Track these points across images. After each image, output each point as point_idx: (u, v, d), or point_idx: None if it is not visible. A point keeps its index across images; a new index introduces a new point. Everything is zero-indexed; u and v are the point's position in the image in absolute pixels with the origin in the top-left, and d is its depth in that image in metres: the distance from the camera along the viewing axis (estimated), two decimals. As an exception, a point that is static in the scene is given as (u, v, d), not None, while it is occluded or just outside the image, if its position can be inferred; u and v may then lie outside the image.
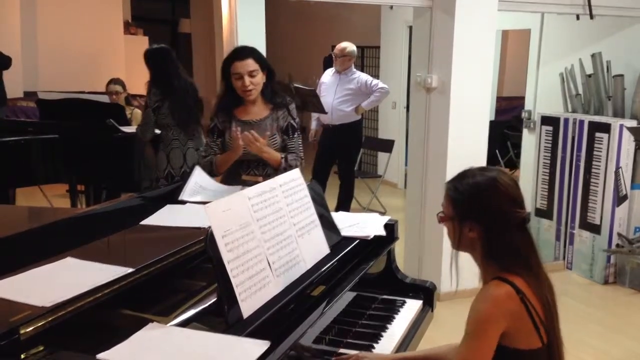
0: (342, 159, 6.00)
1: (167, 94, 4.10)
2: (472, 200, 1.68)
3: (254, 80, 2.87)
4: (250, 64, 2.85)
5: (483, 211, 1.67)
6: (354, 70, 5.85)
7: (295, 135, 3.01)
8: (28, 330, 1.35)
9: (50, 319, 1.40)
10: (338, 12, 9.52)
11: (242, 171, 2.95)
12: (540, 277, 1.69)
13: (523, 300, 1.61)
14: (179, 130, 4.15)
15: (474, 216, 1.68)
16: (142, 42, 9.61)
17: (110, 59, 8.98)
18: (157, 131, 4.28)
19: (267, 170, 2.96)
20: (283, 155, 2.94)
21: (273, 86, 3.01)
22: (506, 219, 1.66)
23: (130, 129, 4.65)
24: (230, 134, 2.90)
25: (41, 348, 1.36)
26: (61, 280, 1.60)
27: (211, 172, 2.86)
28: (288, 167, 2.93)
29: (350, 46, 5.74)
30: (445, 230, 1.78)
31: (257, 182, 2.78)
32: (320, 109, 5.74)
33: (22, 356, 1.32)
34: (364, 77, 5.80)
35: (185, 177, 4.03)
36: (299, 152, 3.02)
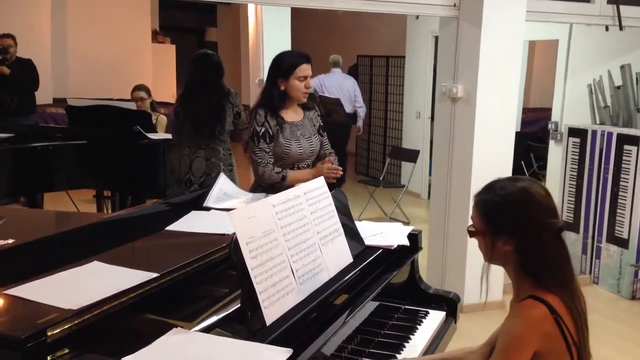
0: None
1: (183, 101, 4.05)
2: (504, 213, 1.62)
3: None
4: (310, 68, 3.05)
5: (517, 224, 1.61)
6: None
7: (325, 134, 3.23)
8: (55, 332, 1.36)
9: (76, 321, 1.42)
10: (364, 22, 9.54)
11: None
12: (574, 291, 1.64)
13: (557, 320, 1.57)
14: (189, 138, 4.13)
15: (508, 230, 1.62)
16: (169, 51, 9.78)
17: (138, 67, 9.10)
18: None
19: None
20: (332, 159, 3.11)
21: None
22: (541, 230, 1.60)
23: (157, 136, 4.69)
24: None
25: (66, 351, 1.37)
26: (87, 284, 1.61)
27: (275, 185, 2.89)
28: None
29: None
30: (469, 241, 1.76)
31: None
32: (344, 117, 5.75)
33: (48, 358, 1.34)
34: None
35: (189, 185, 4.05)
36: (330, 149, 3.23)
